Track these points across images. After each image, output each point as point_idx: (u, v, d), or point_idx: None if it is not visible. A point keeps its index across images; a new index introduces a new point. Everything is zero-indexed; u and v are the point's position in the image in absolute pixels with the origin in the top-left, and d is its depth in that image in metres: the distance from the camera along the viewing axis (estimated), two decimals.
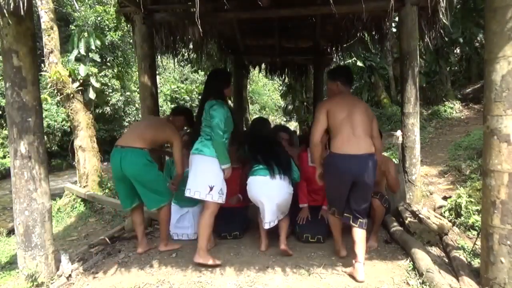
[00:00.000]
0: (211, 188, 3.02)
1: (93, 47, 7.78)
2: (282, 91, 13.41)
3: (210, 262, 3.00)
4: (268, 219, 3.19)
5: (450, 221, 3.62)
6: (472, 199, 3.73)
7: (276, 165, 3.24)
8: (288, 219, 3.39)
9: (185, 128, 3.89)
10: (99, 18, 12.58)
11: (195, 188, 3.06)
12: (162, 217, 3.38)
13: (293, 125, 15.90)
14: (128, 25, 4.99)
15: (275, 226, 3.29)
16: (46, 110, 12.36)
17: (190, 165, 3.18)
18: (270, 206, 3.16)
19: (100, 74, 8.44)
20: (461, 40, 9.76)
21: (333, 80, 3.08)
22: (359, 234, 2.83)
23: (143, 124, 3.67)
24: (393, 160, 4.15)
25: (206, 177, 3.04)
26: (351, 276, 2.75)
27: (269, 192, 3.18)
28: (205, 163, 3.06)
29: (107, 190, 6.28)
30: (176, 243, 3.57)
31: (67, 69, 6.49)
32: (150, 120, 3.87)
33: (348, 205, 2.89)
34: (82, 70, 6.89)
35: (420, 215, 3.48)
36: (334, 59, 7.91)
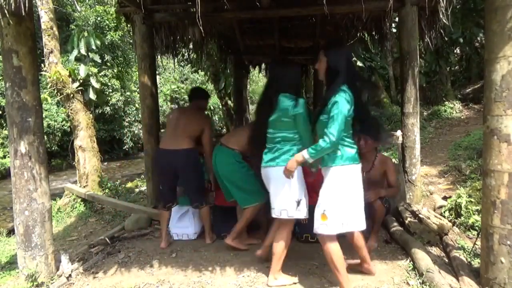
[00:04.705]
0: (298, 203, 2.65)
1: (93, 47, 7.78)
2: None
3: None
4: None
5: (450, 221, 3.62)
6: (472, 199, 3.73)
7: None
8: None
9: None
10: (99, 18, 12.59)
11: (281, 206, 2.67)
12: (245, 214, 3.30)
13: None
14: (128, 25, 4.99)
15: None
16: (46, 110, 12.35)
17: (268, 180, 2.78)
18: None
19: (100, 74, 8.45)
20: (461, 40, 9.78)
21: None
22: None
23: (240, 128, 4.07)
24: (393, 160, 4.15)
25: (292, 191, 2.65)
26: None
27: None
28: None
29: (107, 190, 6.27)
30: (250, 238, 3.51)
31: (67, 69, 6.48)
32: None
33: None
34: (82, 70, 6.88)
35: (420, 215, 3.48)
36: None
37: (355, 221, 2.45)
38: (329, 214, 2.38)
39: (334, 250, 2.41)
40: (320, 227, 2.41)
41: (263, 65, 8.81)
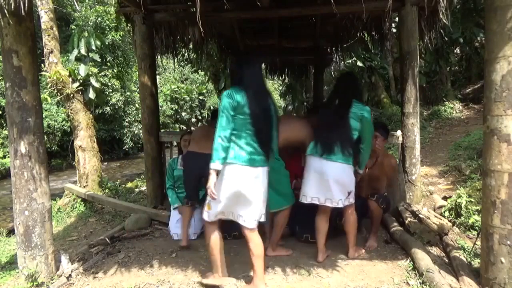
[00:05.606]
0: (349, 193, 3.00)
1: (93, 47, 7.79)
2: (282, 91, 13.41)
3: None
4: None
5: (450, 221, 3.62)
6: (472, 199, 3.74)
7: None
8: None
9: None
10: (99, 18, 12.59)
11: (336, 197, 2.95)
12: (278, 220, 3.19)
13: None
14: (128, 25, 4.99)
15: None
16: (46, 110, 12.36)
17: (311, 170, 3.03)
18: None
19: (100, 74, 8.43)
20: (461, 40, 9.77)
21: None
22: None
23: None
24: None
25: (345, 184, 2.98)
26: None
27: None
28: (344, 171, 2.97)
29: (107, 190, 6.27)
30: (286, 249, 3.34)
31: (67, 69, 6.48)
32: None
33: None
34: (82, 70, 6.89)
35: (420, 215, 3.48)
36: (334, 59, 7.92)
37: (241, 216, 2.56)
38: (212, 204, 2.55)
39: (212, 236, 2.64)
40: (204, 213, 2.65)
41: (263, 65, 8.79)
